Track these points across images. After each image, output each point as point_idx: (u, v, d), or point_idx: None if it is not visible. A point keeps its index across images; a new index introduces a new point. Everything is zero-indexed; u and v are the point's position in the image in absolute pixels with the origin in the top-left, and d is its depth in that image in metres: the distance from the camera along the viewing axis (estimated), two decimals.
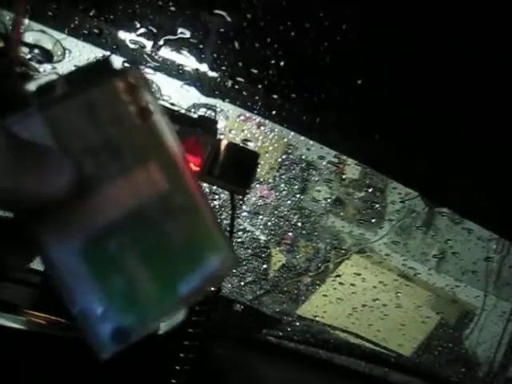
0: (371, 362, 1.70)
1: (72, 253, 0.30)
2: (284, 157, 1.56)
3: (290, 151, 1.52)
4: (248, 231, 1.57)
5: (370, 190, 1.98)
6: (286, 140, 1.25)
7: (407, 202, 1.84)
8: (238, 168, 0.75)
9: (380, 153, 1.04)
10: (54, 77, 0.32)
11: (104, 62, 0.31)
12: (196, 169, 0.74)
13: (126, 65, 0.91)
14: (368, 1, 0.76)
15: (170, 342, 0.92)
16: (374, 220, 2.09)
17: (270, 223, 1.73)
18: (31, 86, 0.31)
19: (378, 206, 2.01)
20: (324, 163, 1.72)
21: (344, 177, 1.95)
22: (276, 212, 1.73)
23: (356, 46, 0.82)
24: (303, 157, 1.64)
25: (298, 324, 1.68)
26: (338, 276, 1.66)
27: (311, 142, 1.39)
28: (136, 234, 0.32)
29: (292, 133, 1.14)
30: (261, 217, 1.60)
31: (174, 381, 0.84)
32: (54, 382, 1.20)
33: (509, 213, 1.09)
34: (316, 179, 1.82)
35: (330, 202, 2.00)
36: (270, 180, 1.62)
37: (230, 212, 0.86)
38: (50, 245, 0.30)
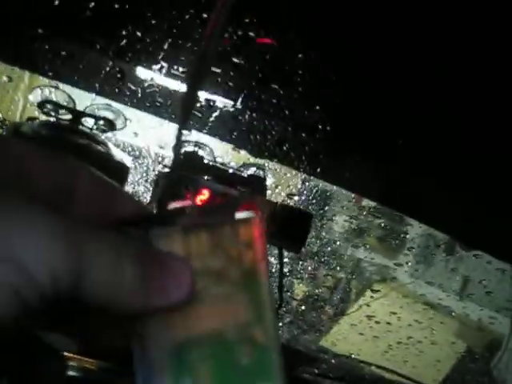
0: None
1: (161, 351, 0.34)
2: (300, 185, 1.58)
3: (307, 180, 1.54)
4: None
5: (391, 219, 2.01)
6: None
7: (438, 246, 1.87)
8: (293, 228, 0.81)
9: (417, 203, 1.09)
10: (188, 203, 0.38)
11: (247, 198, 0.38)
12: None
13: (184, 131, 0.98)
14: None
15: None
16: (396, 249, 2.11)
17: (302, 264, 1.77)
18: (171, 206, 0.37)
19: (399, 234, 2.03)
20: (343, 191, 1.75)
21: (364, 205, 1.98)
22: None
23: (397, 108, 0.89)
24: (320, 185, 1.69)
25: (333, 361, 1.70)
26: (373, 316, 1.70)
27: None
28: (212, 350, 0.38)
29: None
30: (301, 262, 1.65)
31: None
32: None
33: None
34: (334, 208, 1.86)
35: (349, 230, 2.03)
36: None
37: (279, 269, 0.92)
38: (145, 339, 0.34)
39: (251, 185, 0.85)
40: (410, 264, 2.11)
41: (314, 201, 1.69)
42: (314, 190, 1.20)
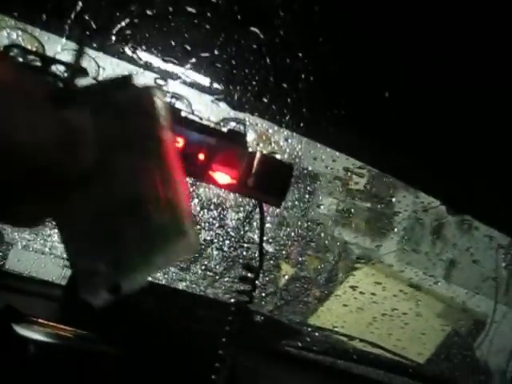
0: (391, 371, 1.70)
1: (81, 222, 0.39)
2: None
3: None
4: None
5: (378, 201, 1.99)
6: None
7: (417, 213, 1.86)
8: (273, 179, 0.77)
9: (404, 163, 1.06)
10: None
11: (126, 78, 0.41)
12: (233, 181, 0.76)
13: (159, 81, 0.93)
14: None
15: (206, 351, 0.94)
16: (382, 231, 2.09)
17: (282, 236, 1.74)
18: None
19: (386, 217, 2.01)
20: (330, 174, 1.73)
21: (350, 187, 1.96)
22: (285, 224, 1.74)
23: (385, 58, 0.85)
24: (309, 168, 1.65)
25: (317, 334, 1.68)
26: (357, 286, 1.67)
27: (321, 150, 1.40)
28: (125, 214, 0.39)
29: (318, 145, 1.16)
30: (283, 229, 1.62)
31: None
32: None
33: None
34: (322, 190, 1.83)
35: (337, 212, 2.01)
36: None
37: (259, 223, 0.87)
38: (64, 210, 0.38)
39: (231, 140, 0.81)
40: (396, 247, 2.09)
41: (301, 183, 1.66)
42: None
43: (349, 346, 1.71)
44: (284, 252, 1.70)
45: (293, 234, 1.77)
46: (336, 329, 1.69)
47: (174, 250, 0.41)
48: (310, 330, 1.68)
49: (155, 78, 0.90)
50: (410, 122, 0.95)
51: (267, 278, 1.57)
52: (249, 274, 0.90)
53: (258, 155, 0.77)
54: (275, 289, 1.59)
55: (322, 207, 1.93)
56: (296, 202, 1.59)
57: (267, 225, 1.47)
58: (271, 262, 1.59)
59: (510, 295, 2.01)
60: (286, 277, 1.82)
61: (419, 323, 1.75)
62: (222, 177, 0.75)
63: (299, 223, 1.77)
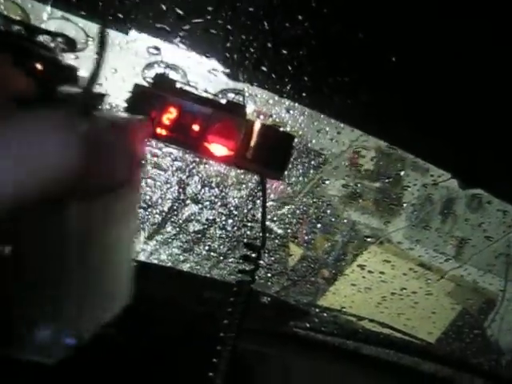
0: (401, 351, 1.67)
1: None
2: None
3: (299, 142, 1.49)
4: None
5: (386, 181, 1.95)
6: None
7: (426, 190, 1.81)
8: (273, 151, 0.72)
9: (413, 134, 1.01)
10: None
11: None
12: (230, 153, 0.71)
13: (152, 51, 0.88)
14: None
15: (206, 334, 0.90)
16: (391, 211, 2.05)
17: (288, 215, 1.70)
18: None
19: (394, 197, 1.97)
20: (338, 154, 1.69)
21: (359, 167, 1.92)
22: (292, 204, 1.70)
23: (389, 22, 0.79)
24: (316, 147, 1.61)
25: (325, 315, 1.65)
26: (365, 266, 1.63)
27: (326, 128, 1.35)
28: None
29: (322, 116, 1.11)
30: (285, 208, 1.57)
31: (211, 374, 0.82)
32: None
33: None
34: (330, 170, 1.79)
35: (345, 193, 1.97)
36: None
37: (262, 199, 0.83)
38: None
39: (230, 112, 0.76)
40: (405, 225, 2.06)
41: (307, 163, 1.61)
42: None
43: (358, 327, 1.68)
44: (290, 231, 1.66)
45: (298, 212, 1.73)
46: (344, 309, 1.65)
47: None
48: (317, 310, 1.66)
49: (148, 47, 0.85)
50: (418, 90, 0.89)
51: (273, 258, 1.53)
52: (251, 253, 0.86)
53: (256, 125, 0.73)
54: (282, 269, 1.56)
55: (328, 185, 1.89)
56: (301, 178, 1.55)
57: (271, 203, 1.43)
58: (277, 241, 1.54)
59: None
60: (293, 257, 1.78)
61: (429, 302, 1.71)
62: (219, 149, 0.71)
63: (305, 201, 1.73)
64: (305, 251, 1.88)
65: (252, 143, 0.71)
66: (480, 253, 1.82)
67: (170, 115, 0.71)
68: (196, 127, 0.71)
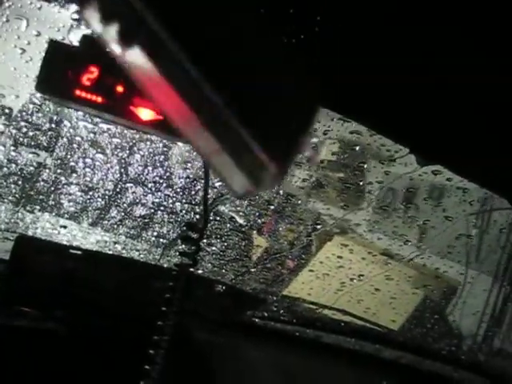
0: (361, 338, 1.64)
1: None
2: None
3: None
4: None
5: (349, 171, 1.93)
6: None
7: (386, 181, 1.78)
8: None
9: (371, 109, 0.95)
10: None
11: None
12: (158, 118, 0.63)
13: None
14: None
15: (143, 323, 0.83)
16: (354, 201, 2.03)
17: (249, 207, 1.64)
18: None
19: (357, 187, 1.95)
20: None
21: (321, 158, 1.88)
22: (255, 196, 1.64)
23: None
24: None
25: (283, 303, 1.60)
26: (326, 255, 1.58)
27: None
28: None
29: None
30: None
31: (147, 367, 0.74)
32: (24, 373, 1.12)
33: (503, 167, 1.02)
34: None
35: (309, 184, 1.94)
36: None
37: (204, 175, 0.76)
38: None
39: None
40: (368, 216, 2.04)
41: None
42: None
43: (317, 315, 1.63)
44: (252, 222, 1.59)
45: (260, 202, 1.67)
46: (303, 297, 1.60)
47: None
48: (275, 298, 1.60)
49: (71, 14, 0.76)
50: (370, 66, 0.84)
51: (225, 244, 1.46)
52: (192, 234, 0.78)
53: None
54: (236, 256, 1.49)
55: (291, 175, 1.84)
56: None
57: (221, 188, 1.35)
58: (228, 225, 1.47)
59: (480, 259, 1.98)
60: (249, 244, 1.73)
61: (390, 289, 1.68)
62: (146, 113, 0.62)
63: (267, 191, 1.68)
64: (263, 239, 1.83)
65: None
66: (441, 236, 1.81)
67: (90, 75, 0.62)
68: (120, 88, 0.62)
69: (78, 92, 0.61)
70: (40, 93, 0.62)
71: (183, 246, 0.80)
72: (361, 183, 1.89)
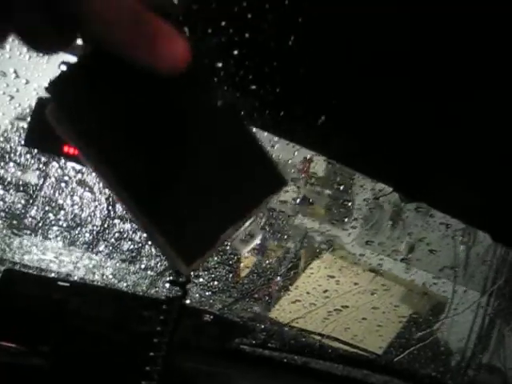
0: (349, 364, 1.65)
1: None
2: None
3: None
4: None
5: (338, 188, 1.94)
6: None
7: (376, 198, 1.81)
8: None
9: (351, 149, 0.97)
10: None
11: None
12: None
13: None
14: None
15: (135, 355, 0.84)
16: (343, 218, 2.05)
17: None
18: None
19: (346, 203, 1.97)
20: (289, 162, 1.65)
21: (310, 175, 1.90)
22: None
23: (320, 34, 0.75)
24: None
25: (271, 330, 1.60)
26: (309, 277, 1.59)
27: (275, 139, 1.31)
28: None
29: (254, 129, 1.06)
30: None
31: None
32: None
33: (485, 204, 1.05)
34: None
35: (297, 201, 1.95)
36: None
37: None
38: None
39: None
40: (356, 232, 2.06)
41: None
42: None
43: (305, 341, 1.64)
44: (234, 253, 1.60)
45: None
46: (291, 324, 1.61)
47: None
48: (263, 326, 1.61)
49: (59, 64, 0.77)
50: (354, 105, 0.86)
51: (213, 276, 1.47)
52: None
53: None
54: (224, 286, 1.50)
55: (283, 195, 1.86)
56: None
57: None
58: (215, 258, 1.48)
59: (468, 276, 2.00)
60: (243, 267, 1.73)
61: (377, 314, 1.69)
62: None
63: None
64: (256, 262, 1.84)
65: None
66: (428, 259, 1.83)
67: None
68: None
69: (66, 148, 0.62)
70: (28, 147, 0.64)
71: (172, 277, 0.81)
72: (350, 200, 1.91)
